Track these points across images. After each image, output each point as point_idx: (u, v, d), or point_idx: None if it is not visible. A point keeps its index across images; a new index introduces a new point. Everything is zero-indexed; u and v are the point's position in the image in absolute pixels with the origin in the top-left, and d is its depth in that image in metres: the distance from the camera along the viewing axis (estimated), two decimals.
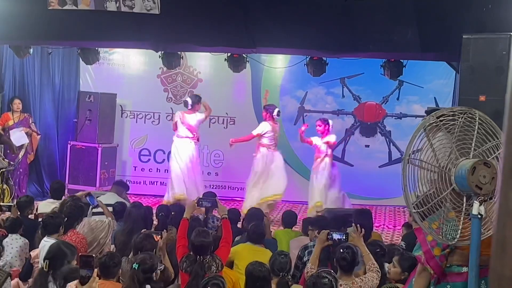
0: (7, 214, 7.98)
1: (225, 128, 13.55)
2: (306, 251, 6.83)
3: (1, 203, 10.04)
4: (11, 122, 11.96)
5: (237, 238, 7.59)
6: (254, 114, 13.28)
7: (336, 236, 6.24)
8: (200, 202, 7.07)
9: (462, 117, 4.09)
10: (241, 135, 12.08)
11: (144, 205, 8.38)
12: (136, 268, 5.22)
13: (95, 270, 4.29)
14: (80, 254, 5.15)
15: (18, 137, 11.90)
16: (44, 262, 5.49)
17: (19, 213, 7.89)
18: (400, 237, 9.17)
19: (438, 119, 4.07)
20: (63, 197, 8.88)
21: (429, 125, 4.07)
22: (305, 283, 5.49)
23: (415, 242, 6.54)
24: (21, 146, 11.97)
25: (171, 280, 6.43)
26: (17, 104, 12.07)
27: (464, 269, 4.39)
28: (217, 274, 5.41)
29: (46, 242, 6.61)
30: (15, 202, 9.15)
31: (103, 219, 8.08)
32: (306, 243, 7.10)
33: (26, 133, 12.05)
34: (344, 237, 6.20)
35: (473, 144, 4.07)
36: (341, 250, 5.74)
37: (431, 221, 4.11)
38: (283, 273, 5.78)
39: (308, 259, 6.52)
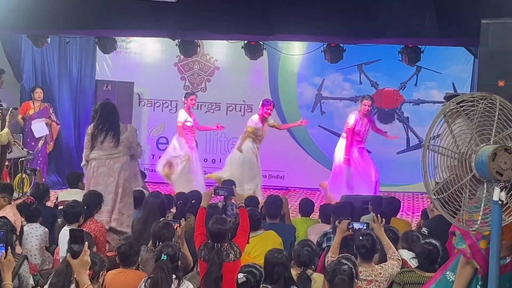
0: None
1: (243, 115, 13.53)
2: (325, 237, 6.82)
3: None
4: (31, 111, 12.03)
5: None
6: None
7: (357, 225, 6.23)
8: (217, 191, 7.07)
9: (483, 102, 4.04)
10: None
11: (163, 193, 8.37)
12: (165, 259, 5.25)
13: (86, 243, 4.19)
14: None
15: (39, 127, 11.95)
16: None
17: (36, 201, 7.88)
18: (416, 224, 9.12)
19: (458, 105, 4.03)
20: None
21: (449, 111, 4.03)
22: (325, 270, 5.48)
23: (439, 228, 6.46)
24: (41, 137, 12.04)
25: (190, 268, 6.45)
26: (39, 93, 12.14)
27: (508, 259, 4.27)
28: (252, 263, 5.39)
29: (66, 231, 6.62)
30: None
31: None
32: (324, 230, 7.10)
33: (46, 124, 12.11)
34: (365, 227, 6.19)
35: (493, 130, 4.03)
36: (361, 238, 5.72)
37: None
38: (305, 267, 5.74)
39: (327, 246, 6.51)
